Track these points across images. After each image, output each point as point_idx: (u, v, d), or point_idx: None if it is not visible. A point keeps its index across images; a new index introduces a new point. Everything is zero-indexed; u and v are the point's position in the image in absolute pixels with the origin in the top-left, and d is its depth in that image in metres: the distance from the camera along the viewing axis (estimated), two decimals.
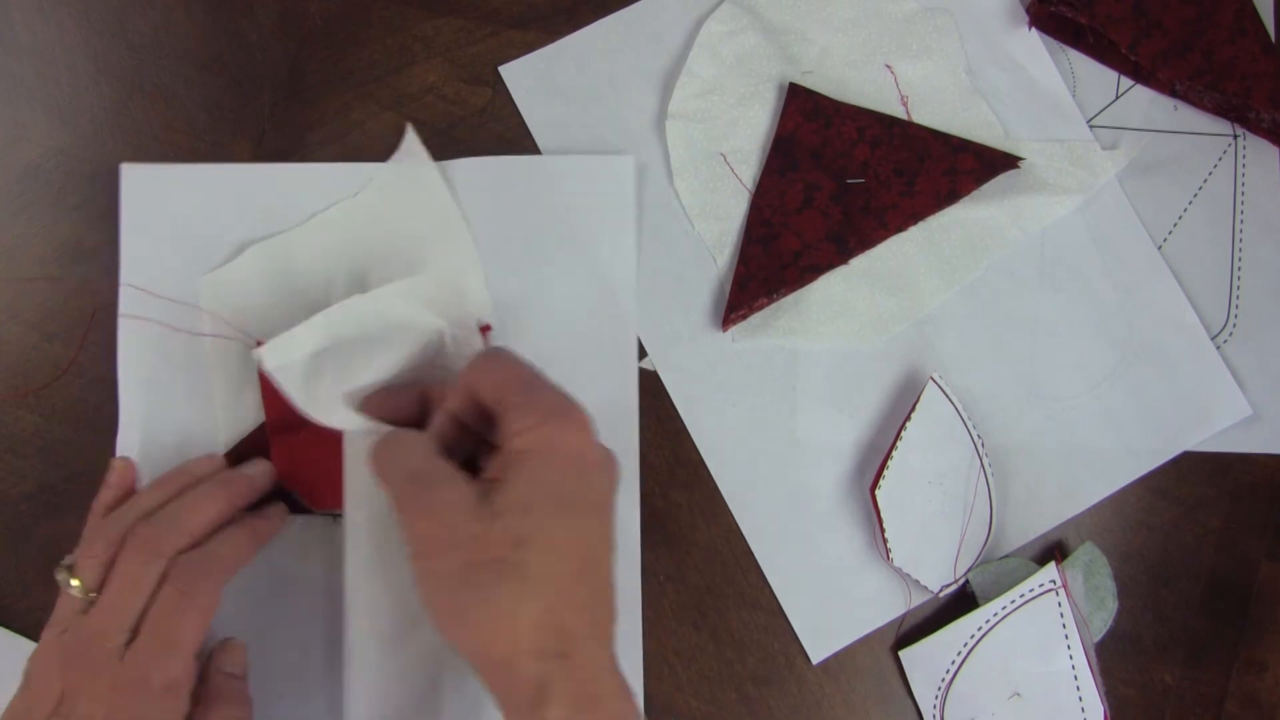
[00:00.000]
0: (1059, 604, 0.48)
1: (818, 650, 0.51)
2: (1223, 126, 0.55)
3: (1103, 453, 0.52)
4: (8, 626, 0.50)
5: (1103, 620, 0.51)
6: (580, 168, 0.53)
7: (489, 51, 0.55)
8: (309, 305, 0.48)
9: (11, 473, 0.52)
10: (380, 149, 0.53)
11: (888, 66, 0.55)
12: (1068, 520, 0.52)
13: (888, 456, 0.49)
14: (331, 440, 0.46)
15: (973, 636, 0.49)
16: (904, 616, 0.51)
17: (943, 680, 0.50)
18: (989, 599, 0.49)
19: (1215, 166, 0.54)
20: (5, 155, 0.54)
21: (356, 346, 0.46)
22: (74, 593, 0.43)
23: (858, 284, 0.53)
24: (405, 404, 0.44)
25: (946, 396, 0.50)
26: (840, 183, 0.53)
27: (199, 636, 0.42)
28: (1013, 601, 0.49)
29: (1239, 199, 0.54)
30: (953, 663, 0.49)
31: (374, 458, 0.40)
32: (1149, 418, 0.52)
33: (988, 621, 0.49)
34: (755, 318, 0.53)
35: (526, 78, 0.55)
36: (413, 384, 0.46)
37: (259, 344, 0.45)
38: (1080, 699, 0.48)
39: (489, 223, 0.52)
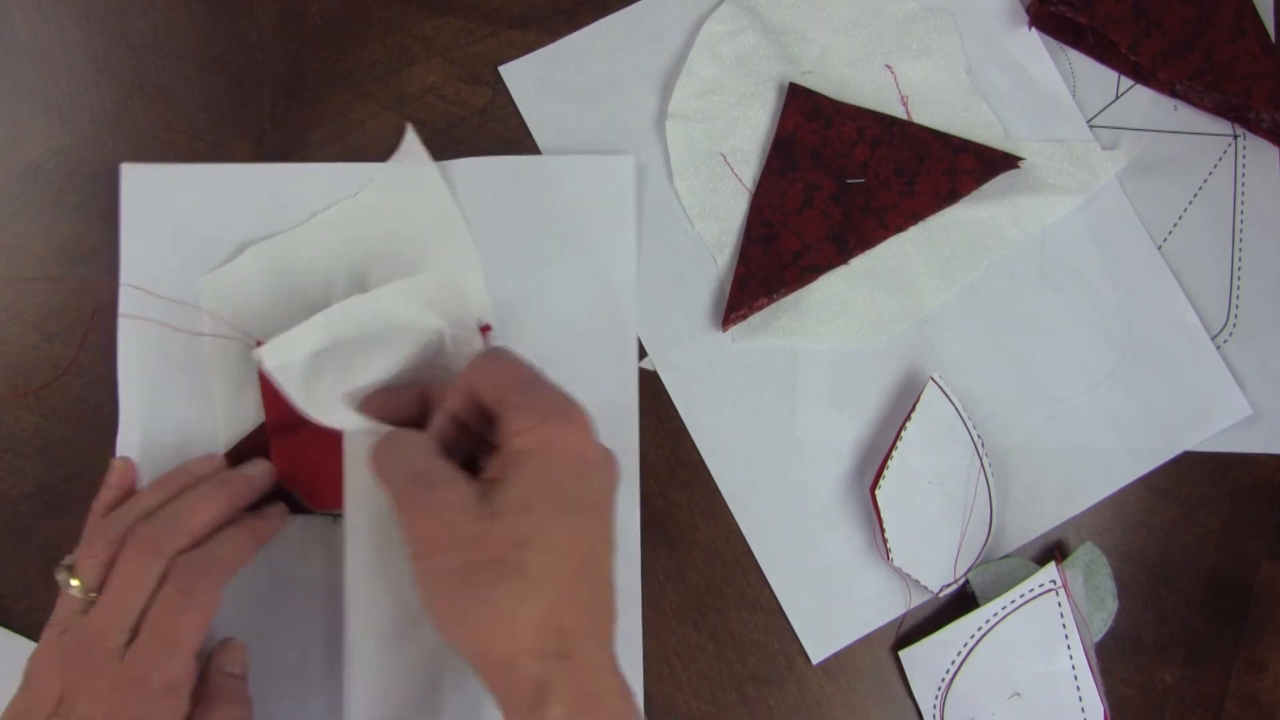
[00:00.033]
0: (1059, 604, 0.48)
1: (818, 650, 0.51)
2: (1223, 126, 0.55)
3: (1103, 453, 0.52)
4: (8, 626, 0.50)
5: (1103, 620, 0.51)
6: (580, 168, 0.53)
7: (489, 51, 0.55)
8: (309, 305, 0.48)
9: (11, 473, 0.52)
10: (380, 149, 0.53)
11: (888, 66, 0.55)
12: (1068, 520, 0.52)
13: (888, 456, 0.49)
14: (331, 440, 0.46)
15: (973, 636, 0.49)
16: (904, 616, 0.51)
17: (943, 680, 0.49)
18: (989, 599, 0.49)
19: (1215, 166, 0.54)
20: (5, 155, 0.54)
21: (356, 346, 0.46)
22: (74, 593, 0.43)
23: (858, 284, 0.53)
24: (405, 404, 0.44)
25: (946, 396, 0.50)
26: (840, 183, 0.53)
27: (199, 636, 0.42)
28: (1013, 601, 0.49)
29: (1239, 199, 0.54)
30: (953, 663, 0.49)
31: (374, 458, 0.40)
32: (1149, 418, 0.52)
33: (988, 621, 0.49)
34: (755, 318, 0.53)
35: (526, 78, 0.55)
36: (413, 384, 0.46)
37: (259, 344, 0.45)
38: (1080, 699, 0.48)
39: (489, 223, 0.52)
